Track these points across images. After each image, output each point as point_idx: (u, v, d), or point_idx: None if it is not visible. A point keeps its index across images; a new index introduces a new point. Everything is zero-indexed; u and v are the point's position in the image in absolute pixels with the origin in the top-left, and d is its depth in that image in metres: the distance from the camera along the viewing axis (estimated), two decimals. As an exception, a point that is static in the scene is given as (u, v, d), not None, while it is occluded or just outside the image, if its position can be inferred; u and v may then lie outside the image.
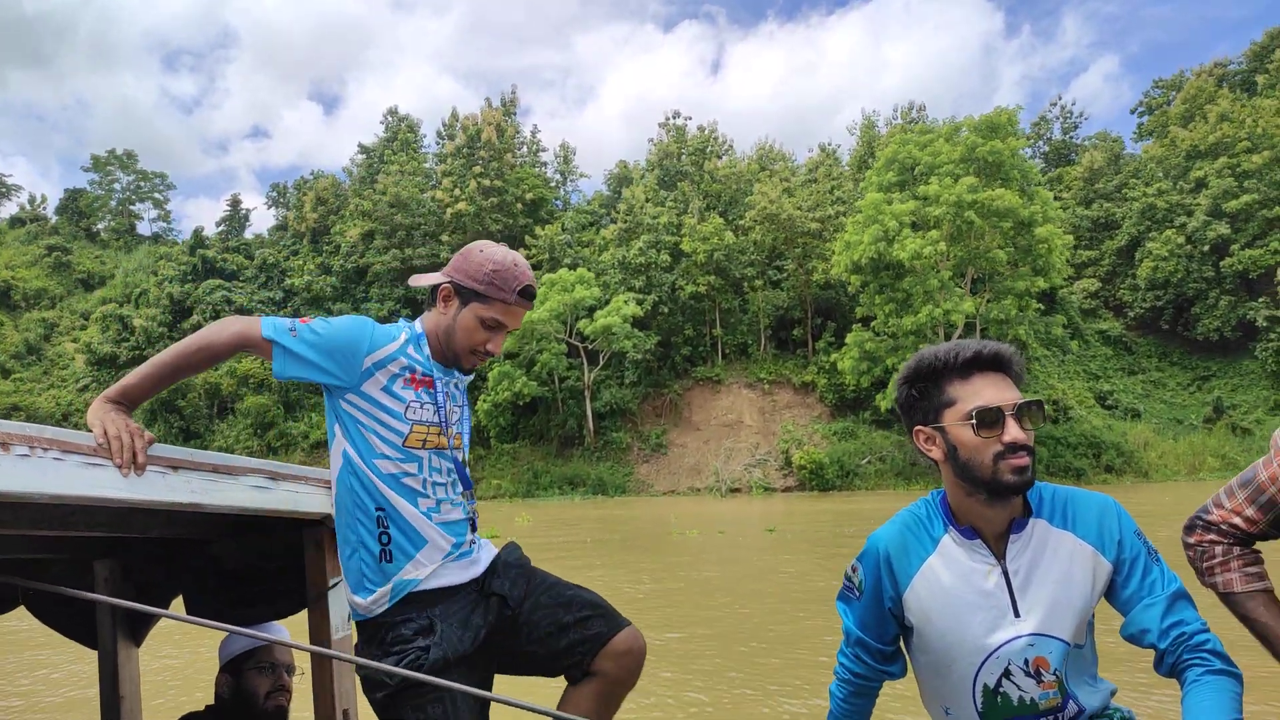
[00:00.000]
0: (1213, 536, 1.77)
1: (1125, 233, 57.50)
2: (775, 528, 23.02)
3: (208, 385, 52.24)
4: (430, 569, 1.97)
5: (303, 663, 2.45)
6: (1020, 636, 1.65)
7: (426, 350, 2.07)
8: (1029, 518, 1.71)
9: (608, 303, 46.25)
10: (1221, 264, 52.45)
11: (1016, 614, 1.66)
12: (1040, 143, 69.38)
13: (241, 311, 56.39)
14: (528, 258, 55.51)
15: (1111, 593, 1.71)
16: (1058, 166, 67.15)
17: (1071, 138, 68.96)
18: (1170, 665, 1.64)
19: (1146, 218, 56.48)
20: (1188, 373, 54.59)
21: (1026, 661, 1.65)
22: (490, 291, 2.02)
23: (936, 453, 1.70)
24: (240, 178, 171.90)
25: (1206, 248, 53.03)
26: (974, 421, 1.62)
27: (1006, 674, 1.67)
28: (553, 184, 66.94)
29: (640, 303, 47.57)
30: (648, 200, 52.10)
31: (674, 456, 46.80)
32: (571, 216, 58.33)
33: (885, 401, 41.29)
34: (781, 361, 50.42)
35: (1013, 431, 1.61)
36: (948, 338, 41.99)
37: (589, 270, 48.73)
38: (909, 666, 1.87)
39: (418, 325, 2.10)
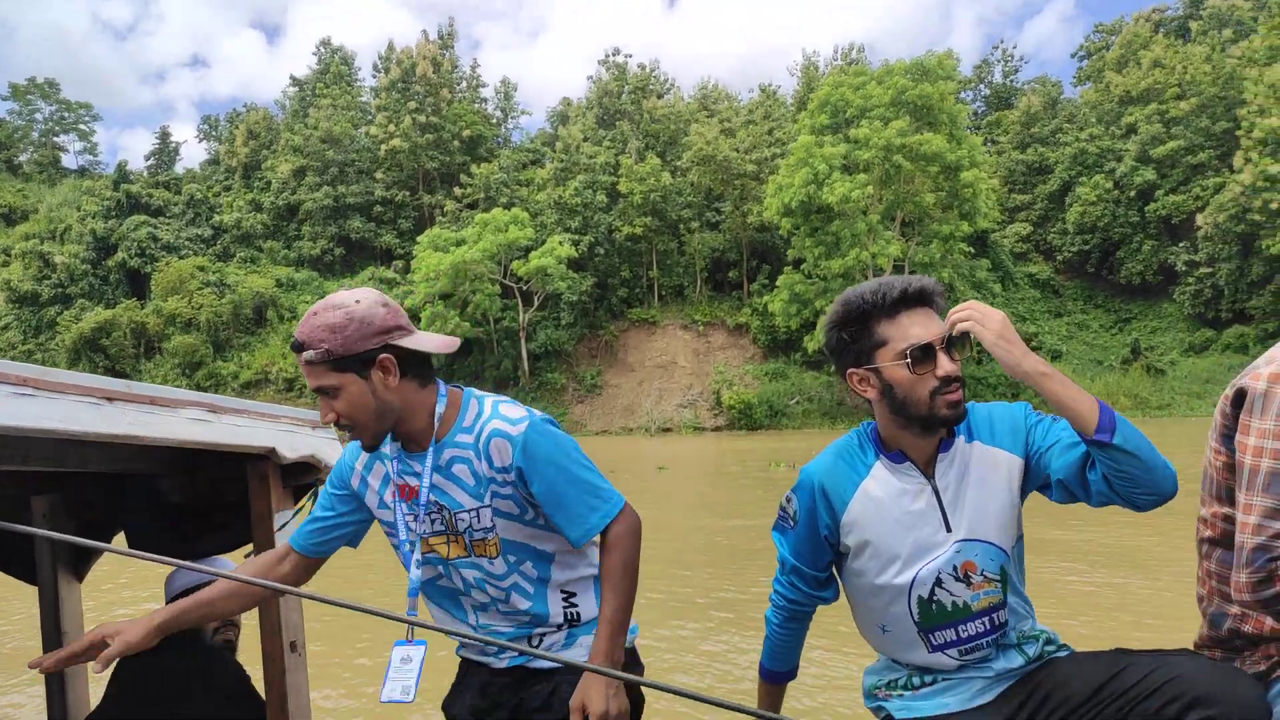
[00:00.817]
0: None
1: (1058, 177, 58.39)
2: (665, 466, 23.61)
3: (134, 325, 51.15)
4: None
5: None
6: (950, 546, 1.73)
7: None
8: (954, 437, 1.78)
9: (543, 244, 46.04)
10: (1146, 209, 53.67)
11: (948, 528, 1.73)
12: (982, 86, 69.65)
13: (168, 249, 55.01)
14: (462, 197, 55.19)
15: (1031, 472, 1.75)
16: (998, 110, 67.61)
17: (1012, 81, 69.32)
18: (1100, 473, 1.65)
19: (1078, 163, 57.36)
20: (1110, 315, 56.23)
21: (955, 568, 1.73)
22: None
23: (871, 393, 1.74)
24: (179, 109, 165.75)
25: (1133, 193, 54.16)
26: (908, 360, 1.66)
27: (939, 583, 1.74)
28: (493, 121, 65.73)
29: (576, 244, 47.42)
30: (585, 139, 51.53)
31: (608, 397, 47.31)
32: (509, 155, 57.47)
33: (813, 343, 42.04)
34: (717, 303, 50.87)
35: (945, 365, 1.66)
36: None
37: (525, 210, 48.34)
38: (841, 591, 1.93)
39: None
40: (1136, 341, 51.02)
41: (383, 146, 55.26)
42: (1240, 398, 1.53)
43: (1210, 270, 49.62)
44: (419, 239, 48.09)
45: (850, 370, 1.75)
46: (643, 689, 1.90)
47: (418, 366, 1.78)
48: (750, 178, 48.76)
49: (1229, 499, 1.60)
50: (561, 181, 50.22)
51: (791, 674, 2.02)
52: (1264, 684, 1.59)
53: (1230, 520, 1.59)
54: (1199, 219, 49.54)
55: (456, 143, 57.50)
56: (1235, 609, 1.62)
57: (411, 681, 1.80)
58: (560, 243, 45.94)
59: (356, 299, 1.72)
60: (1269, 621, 1.57)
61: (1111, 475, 1.55)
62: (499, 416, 1.81)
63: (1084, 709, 1.61)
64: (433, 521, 1.85)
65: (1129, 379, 47.99)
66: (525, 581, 1.86)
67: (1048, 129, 61.08)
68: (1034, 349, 35.31)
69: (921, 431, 1.72)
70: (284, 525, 2.21)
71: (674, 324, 49.97)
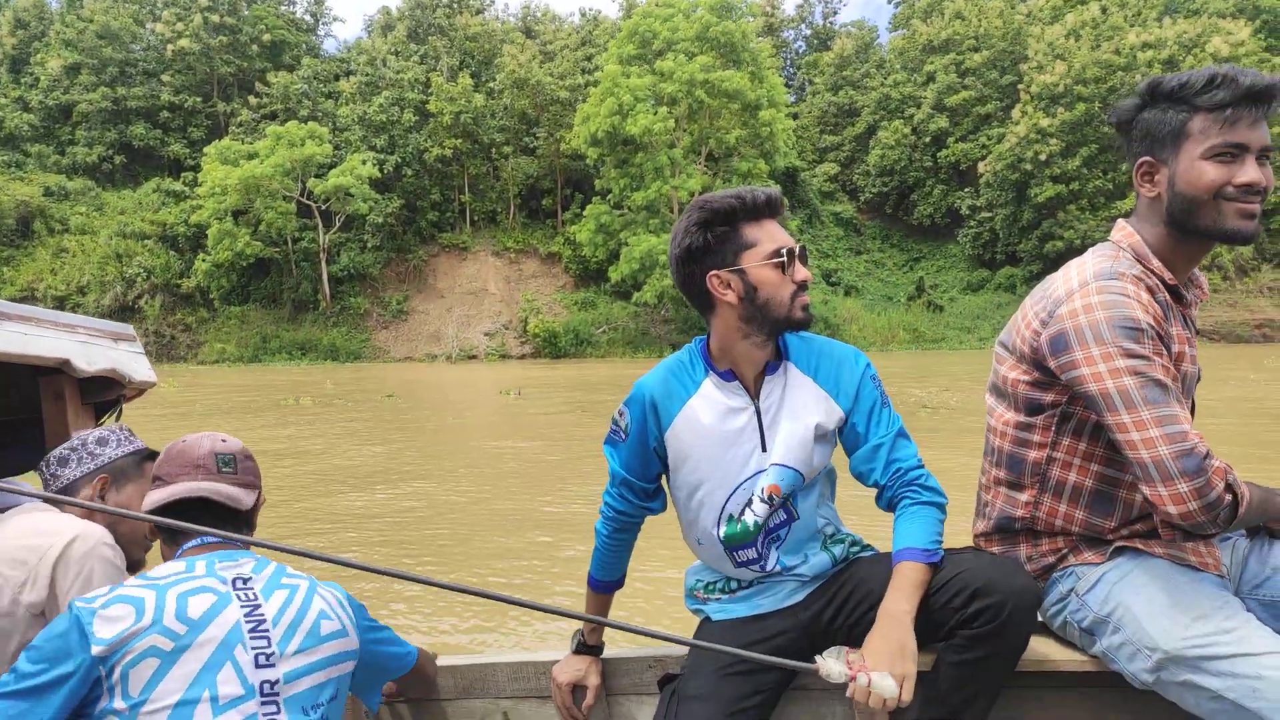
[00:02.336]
0: (1218, 464, 1.51)
1: (864, 120, 61.10)
2: (394, 394, 23.69)
3: None
4: None
5: None
6: (764, 469, 1.78)
7: None
8: (781, 360, 1.83)
9: (344, 161, 44.05)
10: (939, 155, 57.21)
11: (764, 449, 1.79)
12: (803, 25, 71.28)
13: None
14: (258, 107, 51.70)
15: (843, 434, 1.85)
16: (817, 51, 69.59)
17: (831, 23, 71.28)
18: (889, 499, 1.82)
19: (882, 107, 60.16)
20: (904, 254, 60.08)
21: (763, 489, 1.78)
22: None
23: (731, 295, 1.74)
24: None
25: (928, 139, 57.49)
26: (782, 260, 1.71)
27: (748, 503, 1.79)
28: (303, 27, 61.47)
29: (381, 164, 45.66)
30: (393, 53, 49.21)
31: (414, 323, 46.49)
32: (313, 64, 54.07)
33: (617, 274, 42.72)
34: (530, 231, 50.56)
35: (803, 271, 1.74)
36: (679, 214, 43.64)
37: (330, 126, 45.94)
38: (669, 502, 1.97)
39: None
40: (921, 279, 54.93)
41: (169, 46, 50.67)
42: (1060, 338, 1.60)
43: (989, 215, 53.73)
44: (206, 150, 44.87)
45: (713, 273, 1.75)
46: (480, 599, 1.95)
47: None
48: (564, 105, 48.25)
49: (1027, 410, 1.72)
50: (367, 97, 47.93)
51: (619, 583, 2.06)
52: (1047, 575, 1.77)
53: (1024, 428, 1.73)
54: (981, 166, 53.37)
55: (255, 47, 53.49)
56: (1022, 509, 1.75)
57: None
58: (362, 161, 44.09)
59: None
60: (1060, 517, 1.72)
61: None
62: None
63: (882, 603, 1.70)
64: None
65: (911, 314, 51.76)
66: None
67: (859, 73, 63.57)
68: (833, 284, 37.22)
69: (767, 338, 1.77)
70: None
71: (486, 250, 49.38)
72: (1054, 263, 50.58)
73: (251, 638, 1.47)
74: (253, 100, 50.87)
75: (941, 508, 1.77)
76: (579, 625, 2.03)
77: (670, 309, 42.65)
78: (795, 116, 64.54)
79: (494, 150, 49.49)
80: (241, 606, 1.50)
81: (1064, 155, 49.43)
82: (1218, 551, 1.70)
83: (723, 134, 42.08)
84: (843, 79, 63.98)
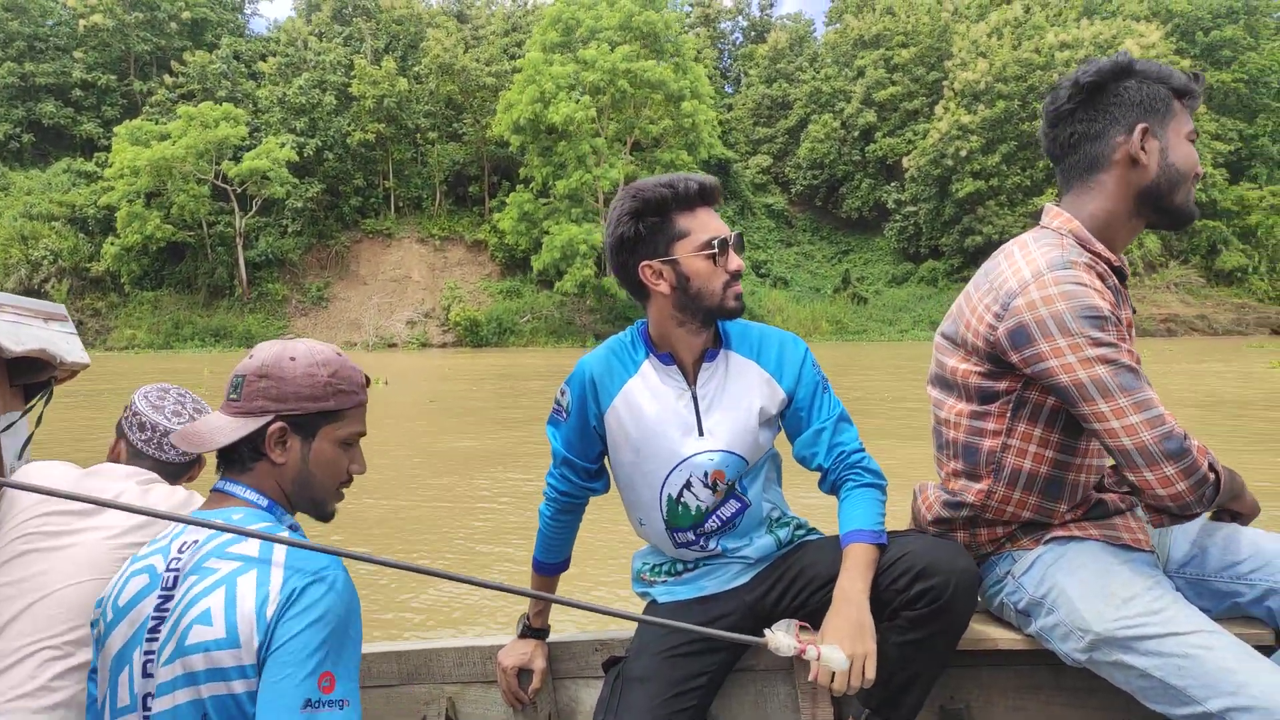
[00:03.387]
0: (1197, 444, 1.55)
1: (796, 114, 61.62)
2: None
3: None
4: None
5: None
6: (701, 453, 1.78)
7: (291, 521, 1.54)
8: (720, 348, 1.82)
9: (260, 144, 43.16)
10: (867, 150, 57.96)
11: (700, 433, 1.78)
12: (740, 17, 71.56)
13: None
14: (175, 86, 50.35)
15: (786, 418, 1.85)
16: (754, 44, 69.94)
17: (768, 15, 71.65)
18: (831, 482, 1.83)
19: (814, 101, 60.73)
20: (833, 246, 60.84)
21: (705, 474, 1.79)
22: (341, 402, 1.49)
23: (664, 285, 1.73)
24: None
25: (857, 133, 58.20)
26: (714, 251, 1.70)
27: (688, 485, 1.80)
28: (228, 5, 59.90)
29: (301, 147, 44.81)
30: (316, 35, 48.27)
31: (335, 310, 45.84)
32: (230, 44, 52.74)
33: (539, 263, 42.60)
34: (457, 218, 50.11)
35: (736, 260, 1.72)
36: (607, 203, 43.69)
37: (250, 107, 44.93)
38: (612, 482, 1.95)
39: (255, 505, 1.47)
40: (847, 272, 55.74)
41: (82, 22, 49.04)
42: (1021, 332, 1.58)
43: (914, 210, 54.67)
44: (116, 130, 43.59)
45: (645, 263, 1.74)
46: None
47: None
48: (491, 91, 47.84)
49: (980, 399, 1.70)
50: (288, 79, 46.97)
51: (563, 565, 2.04)
52: (986, 559, 1.79)
53: (978, 416, 1.72)
54: (906, 161, 54.26)
55: (175, 24, 52.02)
56: (974, 496, 1.74)
57: None
58: (280, 144, 43.23)
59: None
60: (1012, 504, 1.72)
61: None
62: None
63: (829, 585, 1.69)
64: None
65: (835, 306, 52.49)
66: None
67: (793, 66, 64.07)
68: (762, 276, 37.42)
69: (701, 326, 1.78)
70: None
71: (410, 237, 48.83)
72: (973, 257, 51.90)
73: (147, 638, 1.27)
74: (169, 80, 49.51)
75: (883, 489, 1.81)
76: (524, 610, 2.03)
77: (592, 299, 42.67)
78: (729, 108, 64.94)
79: (419, 136, 48.89)
80: (159, 595, 1.30)
81: (984, 152, 50.48)
82: (1146, 528, 1.74)
83: (648, 124, 42.11)
84: (776, 71, 64.41)
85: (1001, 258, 1.68)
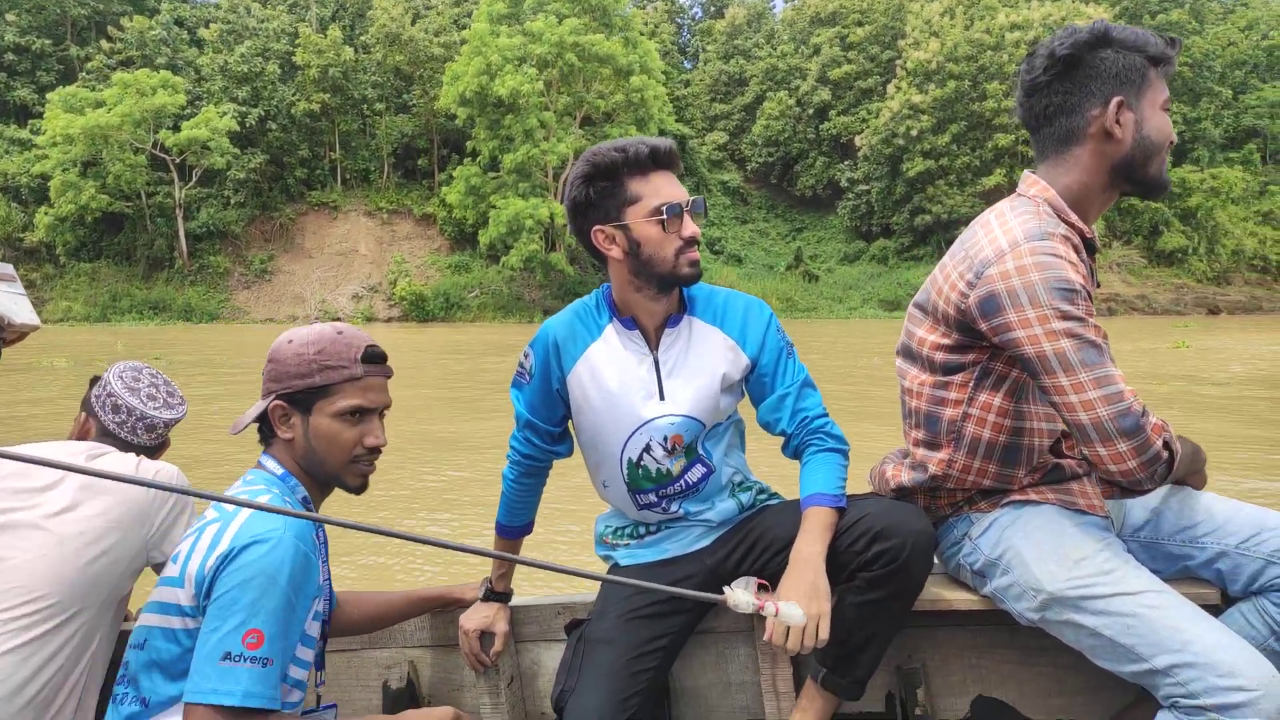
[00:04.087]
0: (1155, 421, 1.55)
1: (752, 90, 61.49)
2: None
3: None
4: None
5: None
6: (662, 416, 1.77)
7: (304, 493, 1.63)
8: (684, 314, 1.81)
9: (200, 113, 42.22)
10: (821, 127, 58.06)
11: (661, 397, 1.78)
12: (699, -8, 71.07)
13: None
14: (113, 53, 48.99)
15: (750, 383, 1.85)
16: (714, 19, 69.54)
17: (727, -10, 71.22)
18: (795, 447, 1.84)
19: (770, 78, 60.63)
20: (787, 224, 61.04)
21: (665, 438, 1.78)
22: (328, 378, 1.57)
23: (616, 251, 1.71)
24: None
25: (811, 111, 58.25)
26: (663, 217, 1.67)
27: (647, 449, 1.79)
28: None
29: (244, 117, 43.90)
30: (259, 1, 47.19)
31: (279, 283, 45.18)
32: (170, 9, 51.35)
33: (486, 237, 42.25)
34: (405, 191, 49.50)
35: (690, 226, 1.69)
36: (556, 177, 43.39)
37: (190, 75, 43.87)
38: (576, 446, 1.94)
39: (271, 474, 1.61)
40: (799, 249, 56.02)
41: (10, -15, 47.51)
42: (992, 300, 1.58)
43: (866, 188, 54.92)
44: (50, 96, 42.39)
45: (597, 228, 1.72)
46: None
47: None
48: (440, 62, 47.14)
49: (944, 370, 1.71)
50: (230, 46, 45.91)
51: (527, 529, 2.02)
52: (944, 521, 1.81)
53: (940, 386, 1.72)
54: (858, 140, 54.43)
55: (112, -12, 50.58)
56: (936, 465, 1.75)
57: None
58: (221, 114, 42.32)
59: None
60: (972, 473, 1.73)
61: None
62: None
63: (789, 548, 1.69)
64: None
65: (787, 283, 52.72)
66: None
67: (750, 42, 63.86)
68: (717, 253, 37.51)
69: (658, 292, 1.75)
70: None
71: (358, 210, 48.17)
72: (923, 235, 52.38)
73: None
74: (106, 46, 48.16)
75: (845, 454, 1.82)
76: (486, 574, 2.03)
77: (540, 274, 42.47)
78: (686, 84, 64.61)
79: (367, 107, 48.11)
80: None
81: (934, 131, 50.76)
82: (1099, 493, 1.76)
83: (596, 99, 41.77)
84: (734, 48, 64.18)
85: (979, 227, 1.67)
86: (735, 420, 1.95)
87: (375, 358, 1.62)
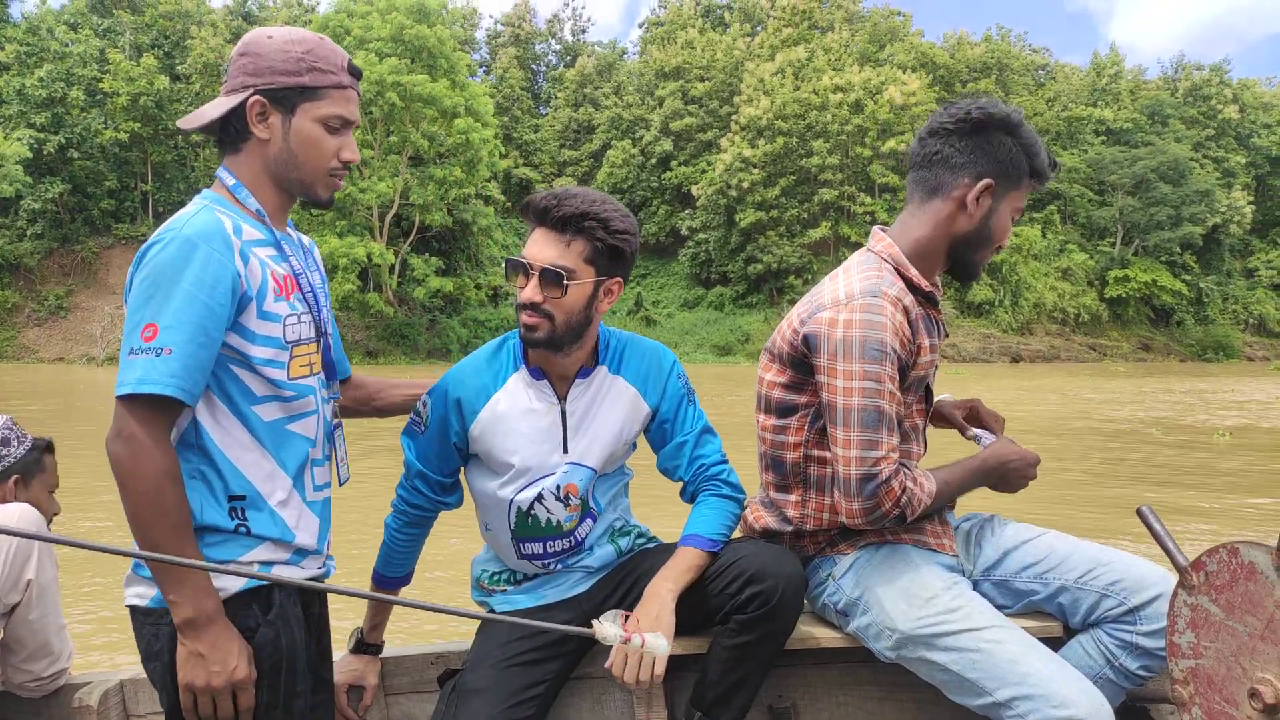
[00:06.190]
0: (902, 479, 1.67)
1: (599, 138, 62.60)
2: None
3: None
4: None
5: None
6: (560, 467, 1.78)
7: (255, 205, 1.53)
8: (595, 365, 1.81)
9: (-12, 138, 39.41)
10: (664, 177, 59.54)
11: (565, 450, 1.78)
12: (553, 40, 72.17)
13: None
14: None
15: (650, 430, 1.88)
16: (568, 67, 70.63)
17: (580, 40, 72.62)
18: (691, 493, 1.88)
19: (615, 127, 61.91)
20: (634, 271, 61.76)
21: (559, 488, 1.78)
22: (317, 80, 1.50)
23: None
24: None
25: (654, 161, 59.73)
26: (503, 269, 1.76)
27: (539, 498, 1.78)
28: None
29: (40, 144, 41.31)
30: (68, 24, 44.89)
31: (75, 321, 42.35)
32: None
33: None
34: (226, 227, 47.64)
35: (527, 291, 1.67)
36: (379, 217, 42.58)
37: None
38: (465, 497, 1.93)
39: (221, 186, 1.54)
40: (640, 294, 56.87)
41: None
42: (814, 339, 1.69)
43: (705, 236, 56.44)
44: None
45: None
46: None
47: None
48: (265, 96, 45.80)
49: (779, 412, 1.80)
50: (30, 69, 43.34)
51: (405, 579, 1.96)
52: (810, 561, 1.85)
53: (780, 430, 1.81)
54: (695, 190, 56.02)
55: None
56: (793, 509, 1.83)
57: None
58: (19, 139, 39.69)
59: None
60: (827, 510, 1.80)
61: None
62: None
63: None
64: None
65: (627, 328, 52.83)
66: None
67: (599, 91, 65.12)
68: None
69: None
70: None
71: (171, 245, 45.91)
72: (756, 284, 54.08)
73: None
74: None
75: (739, 503, 1.86)
76: (358, 624, 1.95)
77: (357, 314, 41.44)
78: (536, 129, 65.13)
79: (183, 138, 46.15)
80: None
81: (765, 184, 52.75)
82: (951, 532, 1.86)
83: (421, 140, 41.37)
84: (583, 96, 65.26)
85: (827, 279, 1.79)
86: (623, 467, 1.98)
87: (357, 71, 1.58)
